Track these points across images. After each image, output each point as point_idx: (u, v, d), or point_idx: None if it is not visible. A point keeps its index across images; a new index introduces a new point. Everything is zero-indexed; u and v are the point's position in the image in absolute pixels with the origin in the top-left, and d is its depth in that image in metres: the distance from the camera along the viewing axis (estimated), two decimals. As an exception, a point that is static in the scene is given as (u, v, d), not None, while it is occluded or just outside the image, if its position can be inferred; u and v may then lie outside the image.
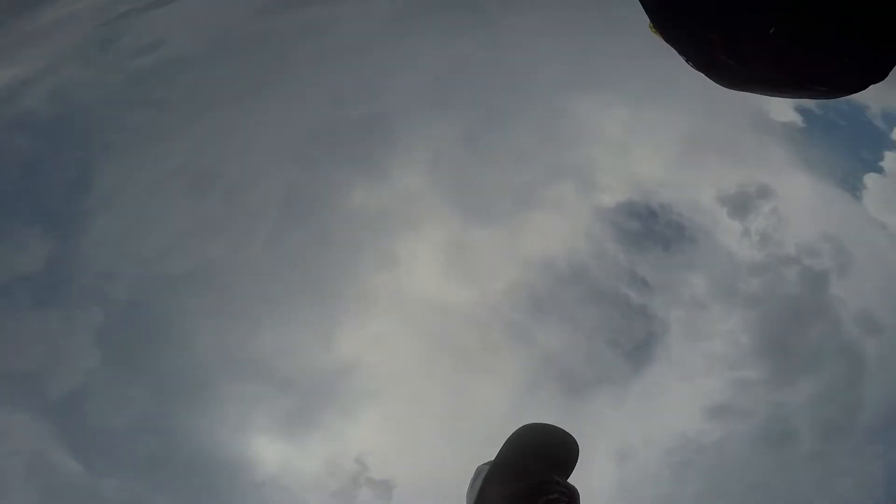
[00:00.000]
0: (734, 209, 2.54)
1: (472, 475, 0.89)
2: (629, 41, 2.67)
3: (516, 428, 0.86)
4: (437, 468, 2.21)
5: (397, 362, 2.57)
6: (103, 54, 2.55)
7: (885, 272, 2.30)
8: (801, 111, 2.50)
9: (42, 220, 2.70)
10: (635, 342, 2.40)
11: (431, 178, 2.69)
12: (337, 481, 2.32)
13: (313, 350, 2.60)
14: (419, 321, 2.63)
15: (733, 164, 2.61)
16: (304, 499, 2.32)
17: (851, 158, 2.52)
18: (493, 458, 0.84)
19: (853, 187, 2.47)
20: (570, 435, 0.82)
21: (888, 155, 2.42)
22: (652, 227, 2.61)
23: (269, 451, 2.43)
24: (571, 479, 0.83)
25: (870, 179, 2.44)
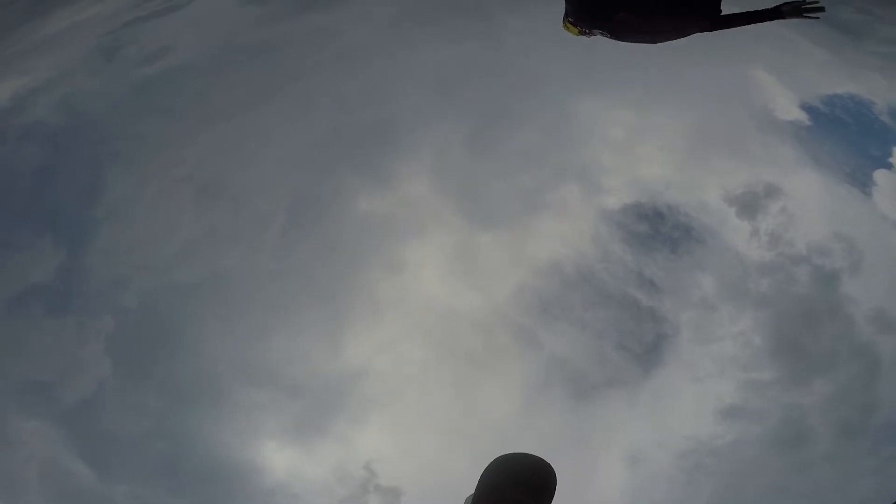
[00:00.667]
0: (742, 209, 2.51)
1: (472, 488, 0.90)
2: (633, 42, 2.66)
3: (505, 446, 0.88)
4: (444, 475, 2.20)
5: (405, 368, 2.57)
6: (110, 63, 2.58)
7: (897, 270, 2.27)
8: (807, 109, 2.47)
9: (54, 230, 2.73)
10: (645, 345, 2.38)
11: (437, 182, 2.69)
12: (346, 488, 2.32)
13: (322, 356, 2.61)
14: (427, 326, 2.62)
15: (740, 163, 2.58)
16: (313, 505, 2.31)
17: (860, 155, 2.49)
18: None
19: (862, 184, 2.44)
20: (547, 462, 0.83)
21: (897, 151, 2.40)
22: (659, 229, 2.59)
23: (278, 457, 2.43)
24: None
25: (879, 176, 2.41)
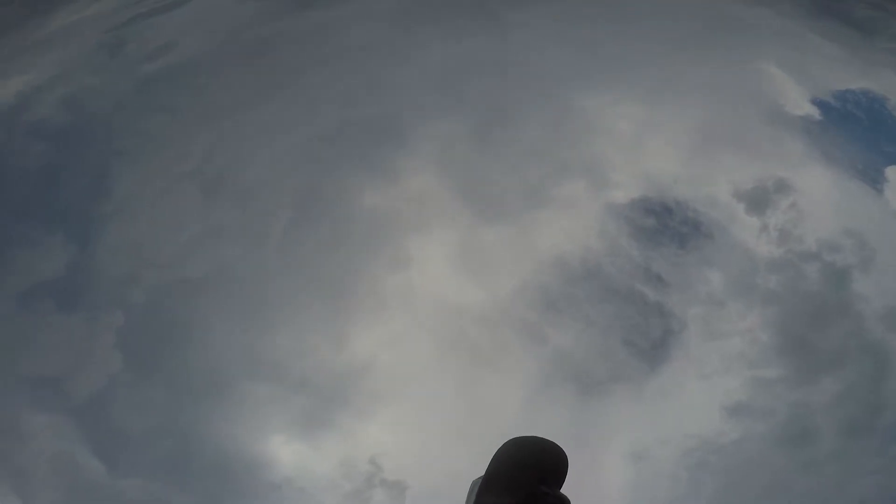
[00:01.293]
0: (751, 205, 2.49)
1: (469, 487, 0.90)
2: (641, 34, 2.63)
3: (511, 437, 0.87)
4: (449, 469, 2.20)
5: (411, 362, 2.58)
6: (114, 60, 2.58)
7: (909, 267, 2.24)
8: (818, 104, 2.44)
9: (62, 227, 2.75)
10: (651, 340, 2.37)
11: (442, 177, 2.68)
12: (351, 482, 2.33)
13: (328, 351, 2.62)
14: (432, 321, 2.63)
15: (749, 158, 2.55)
16: (319, 500, 2.33)
17: (872, 151, 2.46)
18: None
19: (874, 180, 2.40)
20: (558, 445, 0.83)
21: (910, 146, 2.36)
22: (667, 224, 2.57)
23: (285, 451, 2.45)
24: (565, 489, 0.83)
25: (892, 172, 2.37)
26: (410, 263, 2.67)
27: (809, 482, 2.04)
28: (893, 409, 2.09)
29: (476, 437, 2.26)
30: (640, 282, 2.50)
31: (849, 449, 2.05)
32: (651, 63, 2.47)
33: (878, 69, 2.57)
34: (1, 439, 2.38)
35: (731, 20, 2.81)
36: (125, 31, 2.56)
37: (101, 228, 2.74)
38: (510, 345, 2.57)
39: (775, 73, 2.61)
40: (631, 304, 2.47)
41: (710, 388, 2.19)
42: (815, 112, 2.47)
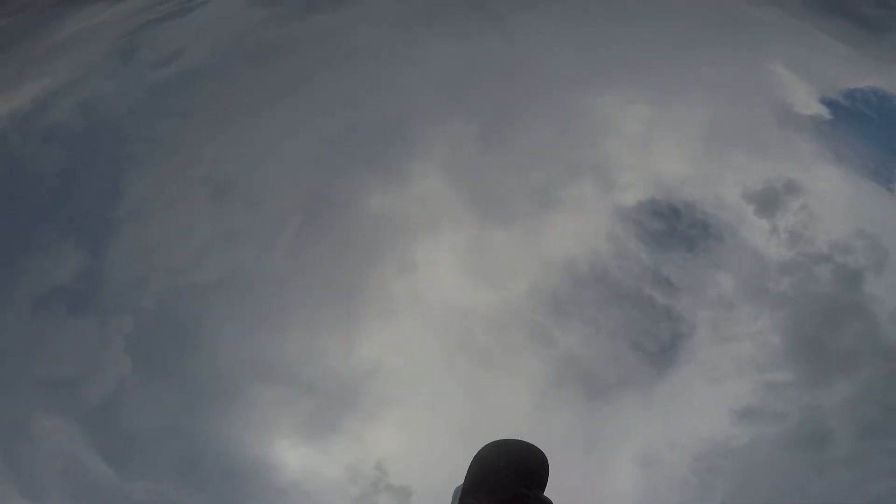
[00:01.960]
0: (761, 206, 2.46)
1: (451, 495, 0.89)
2: (646, 35, 2.62)
3: (485, 444, 0.86)
4: (455, 474, 2.18)
5: (418, 366, 2.57)
6: (126, 66, 2.62)
7: (922, 268, 2.20)
8: (827, 103, 2.41)
9: (75, 232, 2.78)
10: (660, 344, 2.34)
11: (450, 179, 2.68)
12: (358, 487, 2.32)
13: (336, 354, 2.62)
14: (440, 324, 2.62)
15: (759, 159, 2.53)
16: (324, 504, 2.32)
17: (883, 150, 2.42)
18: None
19: (887, 180, 2.37)
20: (538, 448, 0.82)
21: (923, 145, 2.32)
22: (675, 226, 2.55)
23: (292, 455, 2.45)
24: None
25: (904, 171, 2.33)
26: (418, 266, 2.67)
27: (823, 485, 2.00)
28: (908, 410, 2.04)
29: (483, 442, 2.24)
30: (649, 285, 2.48)
31: (863, 451, 2.01)
32: (658, 63, 2.46)
33: (889, 67, 2.54)
34: (11, 442, 2.40)
35: (739, 19, 2.79)
36: (137, 36, 2.59)
37: (113, 233, 2.76)
38: (518, 348, 2.56)
39: (783, 73, 2.58)
40: (639, 308, 2.45)
41: (720, 392, 2.16)
42: (824, 111, 2.44)
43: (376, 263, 2.67)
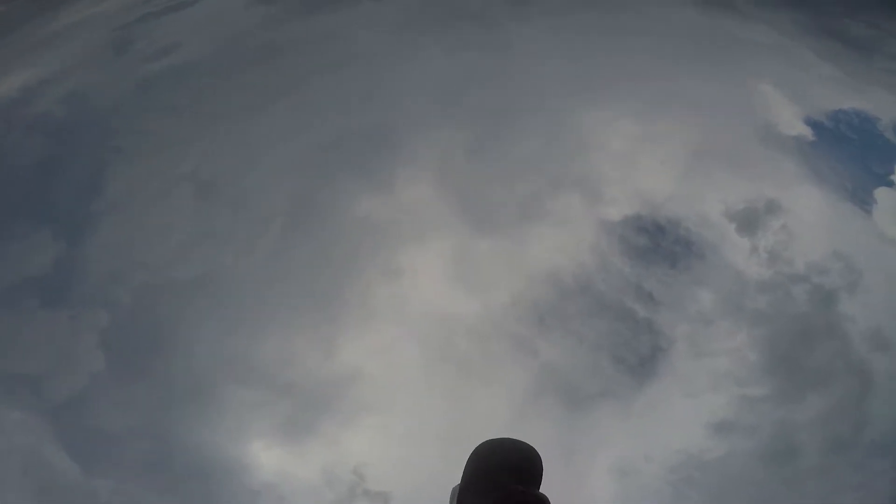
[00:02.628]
0: (742, 225, 2.50)
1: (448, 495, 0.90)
2: (636, 51, 2.66)
3: (480, 443, 0.87)
4: (434, 481, 2.17)
5: (398, 372, 2.56)
6: (119, 58, 2.59)
7: (895, 288, 2.25)
8: (811, 124, 2.47)
9: (53, 222, 2.74)
10: (640, 356, 2.36)
11: (436, 187, 2.69)
12: (334, 491, 2.30)
13: (315, 358, 2.59)
14: (421, 331, 2.61)
15: (742, 178, 2.57)
16: (300, 508, 2.29)
17: (863, 172, 2.48)
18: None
19: (863, 202, 2.42)
20: (532, 446, 0.83)
21: (899, 168, 2.38)
22: (659, 242, 2.58)
23: (266, 457, 2.41)
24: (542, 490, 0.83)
25: (880, 193, 2.39)
26: (402, 273, 2.66)
27: (793, 497, 2.03)
28: (877, 425, 2.09)
29: (462, 450, 2.22)
30: (631, 299, 2.50)
31: (832, 465, 2.04)
32: (647, 79, 2.50)
33: (873, 88, 2.60)
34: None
35: (727, 37, 2.85)
36: (132, 29, 2.57)
37: (92, 225, 2.72)
38: (499, 357, 2.56)
39: (770, 92, 2.64)
40: (621, 321, 2.47)
41: (696, 406, 2.18)
42: (808, 132, 2.49)
43: (360, 268, 2.66)
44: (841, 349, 2.22)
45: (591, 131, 2.67)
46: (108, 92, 2.64)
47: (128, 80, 2.61)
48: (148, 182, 2.79)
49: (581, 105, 2.64)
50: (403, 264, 2.66)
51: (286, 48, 2.59)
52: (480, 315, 2.59)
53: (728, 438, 2.10)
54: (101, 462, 2.37)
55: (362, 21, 2.57)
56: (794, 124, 2.48)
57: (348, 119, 2.66)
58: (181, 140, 2.78)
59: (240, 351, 2.56)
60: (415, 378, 2.52)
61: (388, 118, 2.62)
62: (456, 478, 1.33)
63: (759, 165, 2.57)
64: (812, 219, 2.46)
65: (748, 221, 2.50)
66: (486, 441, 0.82)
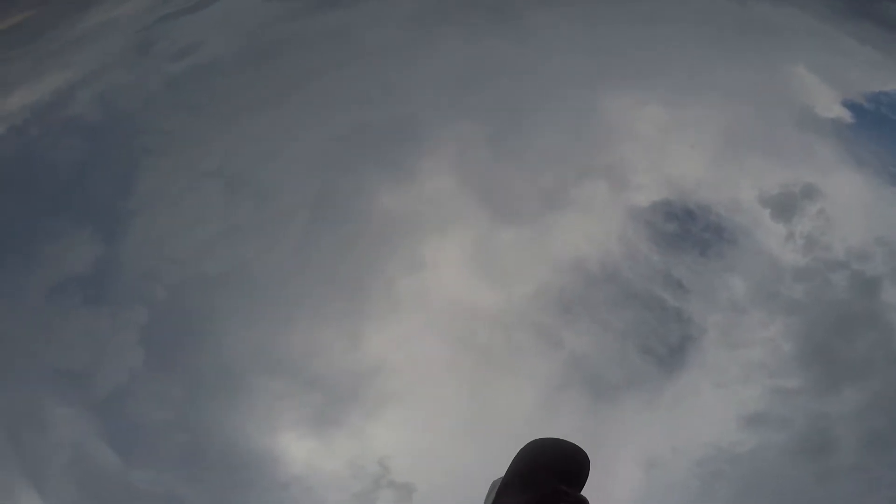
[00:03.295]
0: (777, 211, 2.40)
1: (487, 488, 0.89)
2: (663, 37, 2.58)
3: (528, 441, 0.86)
4: (458, 473, 2.17)
5: (423, 364, 2.55)
6: (143, 59, 2.64)
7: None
8: (850, 106, 2.35)
9: (91, 222, 2.81)
10: (669, 346, 2.30)
11: (459, 178, 2.66)
12: (360, 483, 2.31)
13: (342, 350, 2.61)
14: (445, 323, 2.60)
15: (777, 162, 2.47)
16: (326, 499, 2.31)
17: (905, 155, 2.35)
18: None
19: (907, 186, 2.30)
20: (580, 448, 0.81)
21: (945, 151, 2.25)
22: (689, 229, 2.50)
23: (295, 449, 2.44)
24: (585, 492, 0.81)
25: (925, 177, 2.26)
26: (425, 265, 2.65)
27: (824, 493, 1.95)
28: (919, 420, 1.98)
29: (486, 441, 2.22)
30: (660, 287, 2.44)
31: (869, 460, 1.95)
32: (675, 64, 2.42)
33: (915, 70, 2.46)
34: (20, 429, 2.43)
35: (760, 21, 2.74)
36: (155, 30, 2.62)
37: (126, 224, 2.79)
38: (524, 348, 2.53)
39: (805, 75, 2.53)
40: (649, 310, 2.41)
41: (726, 397, 2.12)
42: (846, 115, 2.38)
43: (384, 260, 2.66)
44: (882, 340, 2.11)
45: (617, 118, 2.60)
46: (135, 93, 2.70)
47: (152, 81, 2.66)
48: (176, 180, 2.84)
49: (606, 92, 2.57)
50: (426, 255, 2.65)
51: (304, 43, 2.60)
52: (504, 305, 2.56)
53: (759, 431, 2.03)
54: (139, 454, 2.43)
55: (380, 14, 2.55)
56: (831, 107, 2.37)
57: (369, 111, 2.65)
58: (206, 138, 2.81)
59: (268, 343, 2.59)
60: (439, 369, 2.51)
61: (408, 109, 2.61)
62: (478, 468, 1.31)
63: (794, 149, 2.46)
64: (852, 203, 2.35)
65: (784, 207, 2.40)
66: (537, 439, 0.82)
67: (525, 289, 2.54)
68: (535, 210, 2.63)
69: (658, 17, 2.64)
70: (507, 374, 2.46)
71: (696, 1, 2.84)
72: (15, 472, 2.29)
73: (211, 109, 2.71)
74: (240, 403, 2.50)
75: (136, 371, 2.53)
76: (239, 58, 2.65)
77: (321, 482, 2.35)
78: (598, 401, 2.23)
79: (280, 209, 2.74)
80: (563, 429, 2.25)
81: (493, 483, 0.83)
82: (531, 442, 0.80)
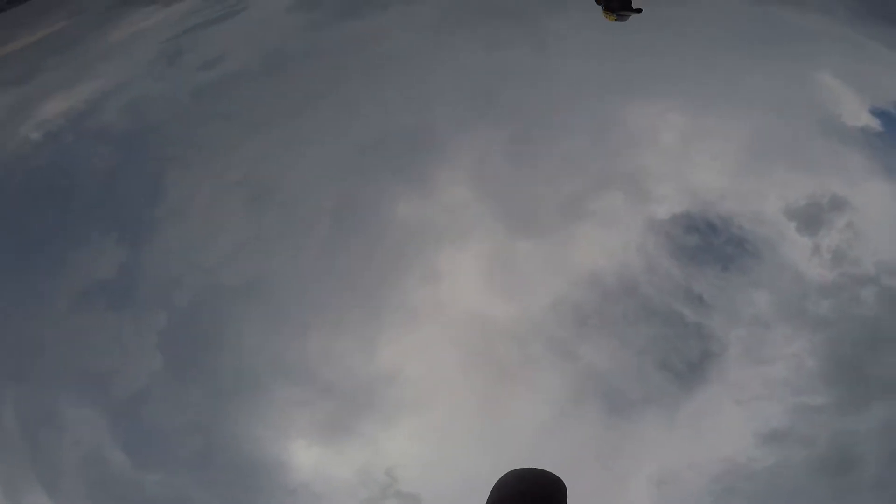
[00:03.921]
0: (803, 223, 2.33)
1: None
2: (684, 44, 2.55)
3: (505, 472, 0.85)
4: (467, 485, 2.12)
5: (436, 374, 2.53)
6: (171, 69, 2.73)
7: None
8: (878, 114, 2.27)
9: (117, 228, 2.88)
10: (688, 362, 2.23)
11: (477, 188, 2.66)
12: (367, 491, 2.29)
13: (356, 358, 2.61)
14: (461, 334, 2.58)
15: (802, 173, 2.40)
16: (333, 506, 2.29)
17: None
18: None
19: (938, 197, 2.20)
20: (558, 477, 0.81)
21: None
22: (711, 241, 2.44)
23: (305, 455, 2.43)
24: None
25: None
26: (442, 275, 2.64)
27: (844, 509, 1.85)
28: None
29: (497, 455, 2.17)
30: (680, 302, 2.37)
31: (892, 476, 1.84)
32: (697, 72, 2.38)
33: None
34: (38, 429, 2.47)
35: (784, 27, 2.69)
36: (183, 40, 2.70)
37: (153, 231, 2.85)
38: (539, 361, 2.48)
39: (831, 83, 2.46)
40: (668, 325, 2.35)
41: (746, 413, 2.03)
42: (874, 123, 2.30)
43: (401, 270, 2.66)
44: (912, 356, 2.01)
45: (636, 127, 2.56)
46: (163, 103, 2.78)
47: (180, 91, 2.74)
48: (202, 189, 2.91)
49: (626, 100, 2.54)
50: (443, 266, 2.64)
51: (326, 53, 2.65)
52: (521, 318, 2.53)
53: (779, 448, 1.94)
54: (150, 457, 2.45)
55: (400, 22, 2.59)
56: (859, 115, 2.30)
57: (389, 120, 2.68)
58: (232, 147, 2.87)
59: (284, 351, 2.60)
60: (452, 380, 2.48)
61: (426, 119, 2.62)
62: (487, 482, 1.29)
63: (821, 159, 2.39)
64: (881, 216, 2.26)
65: (810, 219, 2.33)
66: (512, 471, 0.81)
67: (541, 301, 2.51)
68: (553, 221, 2.60)
69: (679, 23, 2.61)
70: (522, 386, 2.41)
71: (716, 7, 2.81)
72: (24, 471, 2.33)
73: (237, 119, 2.77)
74: (253, 408, 2.51)
75: (155, 375, 2.57)
76: (263, 68, 2.71)
77: (329, 489, 2.34)
78: (613, 415, 2.17)
79: (301, 218, 2.78)
80: (577, 443, 2.19)
81: None
82: (508, 473, 0.78)
